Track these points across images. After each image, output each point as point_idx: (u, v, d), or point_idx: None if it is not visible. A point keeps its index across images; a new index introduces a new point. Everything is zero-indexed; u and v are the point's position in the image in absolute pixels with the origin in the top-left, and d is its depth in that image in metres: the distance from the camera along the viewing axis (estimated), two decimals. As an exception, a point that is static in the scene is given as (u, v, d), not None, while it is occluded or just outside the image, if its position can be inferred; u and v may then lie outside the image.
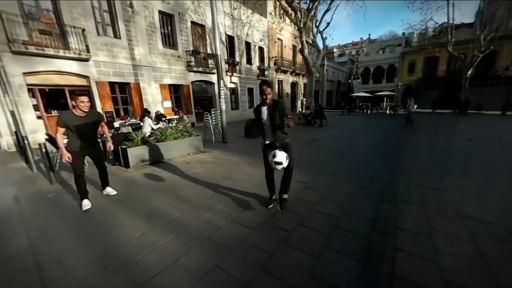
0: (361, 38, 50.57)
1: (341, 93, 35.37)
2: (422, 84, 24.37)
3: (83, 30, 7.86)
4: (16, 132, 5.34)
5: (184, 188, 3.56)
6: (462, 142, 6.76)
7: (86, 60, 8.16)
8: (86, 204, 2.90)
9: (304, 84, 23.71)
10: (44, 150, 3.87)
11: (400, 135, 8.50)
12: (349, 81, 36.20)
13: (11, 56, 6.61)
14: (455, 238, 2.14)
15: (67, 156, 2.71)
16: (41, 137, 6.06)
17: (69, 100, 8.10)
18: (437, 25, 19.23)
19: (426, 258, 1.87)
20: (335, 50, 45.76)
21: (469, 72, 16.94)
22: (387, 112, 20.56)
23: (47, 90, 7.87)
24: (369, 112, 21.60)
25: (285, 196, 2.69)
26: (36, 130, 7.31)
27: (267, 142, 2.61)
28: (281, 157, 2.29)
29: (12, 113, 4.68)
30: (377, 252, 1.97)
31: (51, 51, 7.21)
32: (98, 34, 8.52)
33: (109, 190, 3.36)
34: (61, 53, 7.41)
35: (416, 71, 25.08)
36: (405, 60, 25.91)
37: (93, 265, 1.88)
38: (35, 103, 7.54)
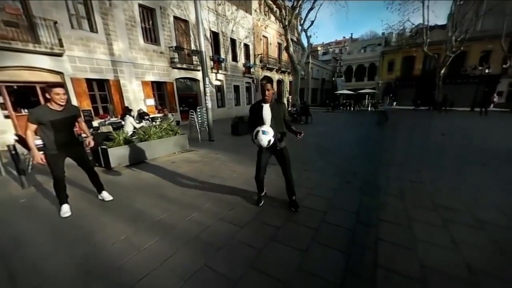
0: (344, 37, 51.97)
1: (326, 91, 36.22)
2: (401, 82, 25.61)
3: (55, 22, 7.32)
4: (-20, 133, 4.88)
5: (170, 188, 3.47)
6: (437, 137, 7.23)
7: (60, 55, 7.62)
8: (66, 210, 2.67)
9: (290, 82, 23.96)
10: (13, 152, 3.58)
11: (381, 131, 8.89)
12: (333, 79, 37.15)
13: (-29, 49, 6.03)
14: (431, 226, 2.29)
15: (39, 157, 2.43)
16: (10, 138, 5.62)
17: (41, 97, 7.56)
18: (413, 26, 20.27)
19: (406, 247, 1.99)
20: (319, 48, 46.60)
21: (442, 71, 18.08)
22: (369, 109, 21.41)
23: (15, 87, 7.28)
24: (352, 109, 22.37)
25: (294, 197, 2.70)
26: (4, 130, 6.76)
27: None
28: (267, 131, 2.23)
29: (-25, 112, 4.28)
30: (361, 243, 2.06)
31: (18, 45, 6.65)
32: (73, 27, 7.98)
33: (105, 195, 3.05)
34: (31, 47, 6.86)
35: (395, 70, 26.29)
36: (385, 59, 27.04)
37: (74, 272, 1.79)
38: (1, 101, 6.95)
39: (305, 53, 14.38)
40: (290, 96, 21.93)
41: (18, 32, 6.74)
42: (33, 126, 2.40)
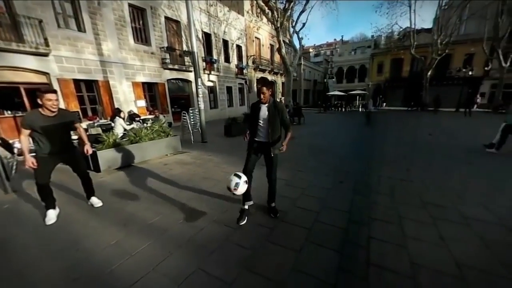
0: (335, 39, 52.97)
1: (318, 92, 36.69)
2: (390, 84, 26.29)
3: (40, 21, 7.07)
4: (-41, 136, 4.64)
5: (163, 190, 3.41)
6: (424, 136, 7.46)
7: (45, 55, 7.36)
8: (51, 217, 2.54)
9: (282, 83, 24.15)
10: (-4, 156, 3.42)
11: (372, 131, 9.09)
12: (325, 80, 37.68)
13: (-51, 48, 5.73)
14: (420, 224, 2.35)
15: (30, 162, 2.33)
16: (-8, 141, 5.35)
17: (25, 99, 7.27)
18: (401, 29, 20.91)
19: (397, 244, 2.04)
20: (311, 50, 47.22)
21: (429, 73, 18.71)
22: (360, 110, 21.85)
23: (-3, 88, 6.97)
24: (343, 110, 22.75)
25: (273, 204, 2.62)
26: (-15, 133, 6.43)
27: (258, 139, 2.43)
28: (242, 186, 2.12)
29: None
30: (353, 242, 2.09)
31: (1, 44, 6.38)
32: (59, 26, 7.73)
33: (95, 201, 2.93)
34: (14, 46, 6.59)
35: (384, 72, 26.96)
36: (375, 61, 27.69)
37: (62, 279, 1.72)
38: (-18, 102, 6.64)
39: (297, 54, 14.55)
40: (282, 97, 22.08)
41: (0, 31, 6.46)
42: (26, 131, 2.34)
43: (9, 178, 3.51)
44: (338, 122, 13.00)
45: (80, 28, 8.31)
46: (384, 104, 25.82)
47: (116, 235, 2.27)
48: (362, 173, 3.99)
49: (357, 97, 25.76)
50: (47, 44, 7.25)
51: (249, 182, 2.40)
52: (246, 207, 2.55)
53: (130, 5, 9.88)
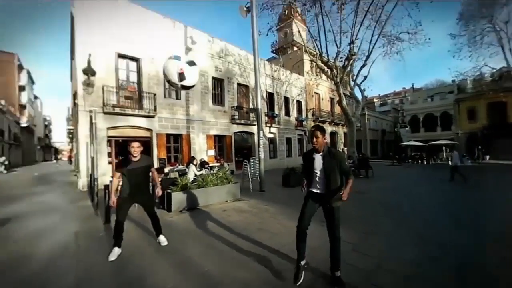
0: (404, 88, 49.42)
1: (387, 142, 32.99)
2: (490, 131, 21.05)
3: (154, 95, 9.95)
4: (91, 175, 6.43)
5: (219, 237, 3.45)
6: None
7: (153, 116, 10.01)
8: (114, 254, 2.77)
9: (344, 133, 23.19)
10: (106, 191, 4.46)
11: (470, 191, 6.96)
12: (396, 129, 34.01)
13: (102, 115, 8.63)
14: None
15: (112, 201, 2.83)
16: (107, 179, 7.08)
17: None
18: (494, 70, 17.73)
19: None
20: (375, 100, 45.29)
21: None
22: (449, 163, 17.72)
23: (120, 140, 9.65)
24: (424, 162, 19.04)
25: (339, 273, 2.15)
26: (105, 173, 8.67)
27: (315, 190, 2.25)
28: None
29: (92, 159, 5.79)
30: None
31: (129, 111, 9.16)
32: (165, 97, 10.63)
33: (162, 239, 3.20)
34: (136, 112, 9.34)
35: (479, 118, 22.24)
36: (462, 106, 23.61)
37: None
38: (109, 151, 9.21)
39: (359, 105, 14.12)
40: (345, 148, 20.84)
41: (131, 103, 9.40)
42: (117, 174, 2.95)
43: (111, 209, 4.40)
44: (418, 177, 10.79)
45: (177, 96, 11.14)
46: (487, 156, 20.20)
47: (174, 278, 2.33)
48: (467, 248, 2.92)
49: (444, 148, 21.43)
50: (155, 109, 9.92)
51: (304, 239, 2.24)
52: (302, 263, 2.24)
53: (213, 77, 12.75)
